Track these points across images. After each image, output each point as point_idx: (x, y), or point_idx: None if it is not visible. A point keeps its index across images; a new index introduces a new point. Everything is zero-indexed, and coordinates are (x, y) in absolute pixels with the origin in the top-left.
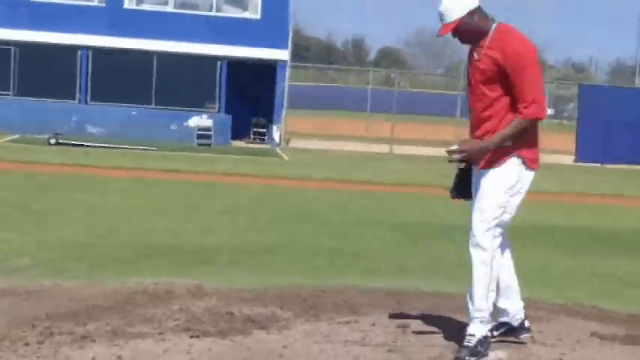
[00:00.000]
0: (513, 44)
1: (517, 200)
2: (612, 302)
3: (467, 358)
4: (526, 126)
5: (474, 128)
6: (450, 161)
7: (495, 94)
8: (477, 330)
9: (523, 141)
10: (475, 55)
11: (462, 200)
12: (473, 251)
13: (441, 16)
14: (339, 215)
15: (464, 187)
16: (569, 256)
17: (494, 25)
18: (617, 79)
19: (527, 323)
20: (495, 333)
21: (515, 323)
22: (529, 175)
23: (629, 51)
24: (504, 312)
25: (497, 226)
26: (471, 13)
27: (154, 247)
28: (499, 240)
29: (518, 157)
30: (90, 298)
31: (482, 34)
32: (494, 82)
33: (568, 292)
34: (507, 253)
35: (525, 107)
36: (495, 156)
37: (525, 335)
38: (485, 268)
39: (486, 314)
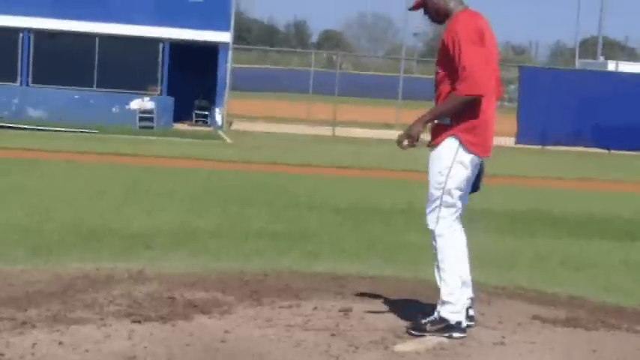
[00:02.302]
0: (453, 24)
1: (461, 183)
2: (553, 284)
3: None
4: (459, 102)
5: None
6: (402, 147)
7: (443, 73)
8: (442, 310)
9: (463, 122)
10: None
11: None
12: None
13: None
14: (281, 198)
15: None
16: (511, 238)
17: (459, 9)
18: (557, 62)
19: (471, 312)
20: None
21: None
22: (470, 159)
23: (568, 32)
24: None
25: (439, 207)
26: (435, 3)
27: (95, 231)
28: (446, 221)
29: (455, 137)
30: (30, 283)
31: (447, 15)
32: (443, 62)
33: (509, 274)
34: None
35: (458, 83)
36: (435, 134)
37: (469, 323)
38: (433, 249)
39: (445, 298)
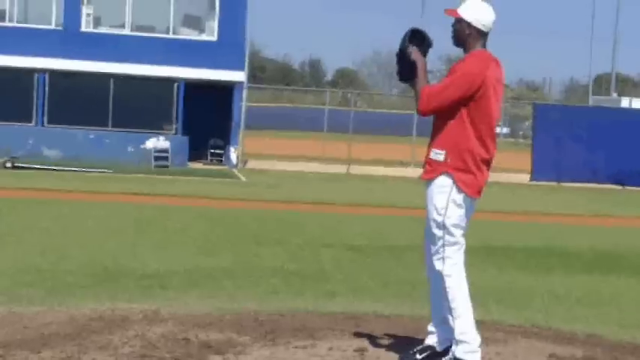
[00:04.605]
0: (468, 60)
1: (460, 221)
2: (570, 322)
3: None
4: (415, 99)
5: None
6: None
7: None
8: (457, 351)
9: (459, 160)
10: None
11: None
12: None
13: (462, 2)
14: (295, 237)
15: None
16: (527, 275)
17: (474, 50)
18: (571, 98)
19: (452, 353)
20: (419, 356)
21: (439, 349)
22: (463, 198)
23: (582, 69)
24: (432, 334)
25: (445, 247)
26: (469, 25)
27: (110, 272)
28: (451, 260)
29: (448, 175)
30: (45, 325)
31: (462, 46)
32: None
33: (525, 312)
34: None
35: (429, 94)
36: (429, 169)
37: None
38: (450, 294)
39: (457, 336)
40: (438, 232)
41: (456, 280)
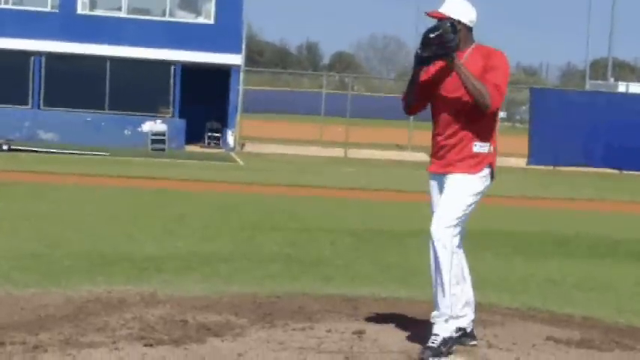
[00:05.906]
0: (497, 52)
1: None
2: (567, 306)
3: (430, 359)
4: (478, 94)
5: (443, 131)
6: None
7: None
8: (441, 330)
9: (494, 148)
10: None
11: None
12: (434, 249)
13: (444, 2)
14: (293, 221)
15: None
16: (523, 260)
17: (473, 45)
18: (568, 83)
19: (474, 332)
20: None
21: (469, 329)
22: (489, 185)
23: (579, 54)
24: (464, 318)
25: (456, 226)
26: (459, 22)
27: (107, 256)
28: (457, 239)
29: (490, 167)
30: (42, 307)
31: (456, 49)
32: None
33: (522, 296)
34: (465, 264)
35: (497, 89)
36: (475, 161)
37: (473, 342)
38: (446, 266)
39: (449, 312)
40: (461, 212)
41: (458, 256)
